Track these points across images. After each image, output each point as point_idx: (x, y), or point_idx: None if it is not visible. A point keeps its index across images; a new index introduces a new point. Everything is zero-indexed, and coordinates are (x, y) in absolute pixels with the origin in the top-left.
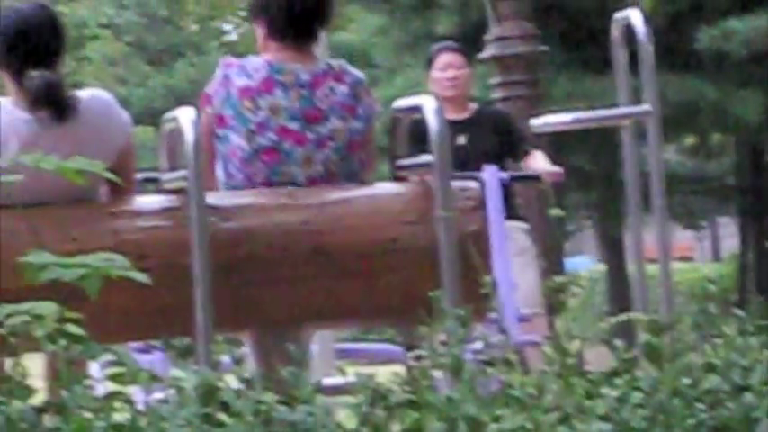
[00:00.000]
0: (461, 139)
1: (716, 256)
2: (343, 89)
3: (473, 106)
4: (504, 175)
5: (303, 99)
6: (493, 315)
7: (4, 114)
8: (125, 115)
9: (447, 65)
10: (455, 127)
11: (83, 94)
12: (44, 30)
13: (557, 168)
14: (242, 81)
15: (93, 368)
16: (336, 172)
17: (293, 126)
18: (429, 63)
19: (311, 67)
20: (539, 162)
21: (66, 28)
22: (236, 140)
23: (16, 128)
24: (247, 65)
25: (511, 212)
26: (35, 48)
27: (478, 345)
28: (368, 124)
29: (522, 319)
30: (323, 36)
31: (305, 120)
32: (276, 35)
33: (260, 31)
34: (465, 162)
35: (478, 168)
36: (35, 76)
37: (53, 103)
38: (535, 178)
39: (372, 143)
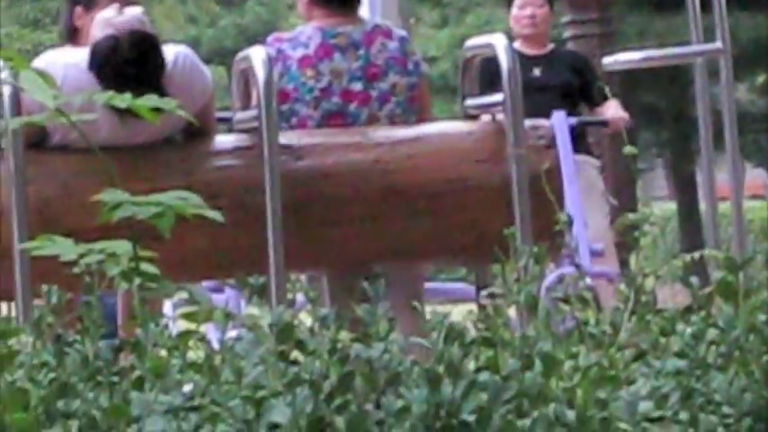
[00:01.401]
0: (536, 72)
1: None
2: (393, 45)
3: (551, 45)
4: (572, 120)
5: (361, 58)
6: (566, 252)
7: (86, 75)
8: (206, 72)
9: (526, 2)
10: (531, 60)
11: (167, 53)
12: (139, 62)
13: (625, 114)
14: (298, 52)
15: (167, 307)
16: (400, 125)
17: (356, 87)
18: (509, 1)
19: (361, 27)
20: (611, 110)
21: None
22: (304, 111)
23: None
24: (299, 36)
25: (582, 148)
26: (131, 78)
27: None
28: (420, 79)
29: (594, 254)
30: None
31: (366, 78)
32: (323, 1)
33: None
34: (539, 94)
35: (552, 101)
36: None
37: None
38: (602, 123)
39: (426, 98)
